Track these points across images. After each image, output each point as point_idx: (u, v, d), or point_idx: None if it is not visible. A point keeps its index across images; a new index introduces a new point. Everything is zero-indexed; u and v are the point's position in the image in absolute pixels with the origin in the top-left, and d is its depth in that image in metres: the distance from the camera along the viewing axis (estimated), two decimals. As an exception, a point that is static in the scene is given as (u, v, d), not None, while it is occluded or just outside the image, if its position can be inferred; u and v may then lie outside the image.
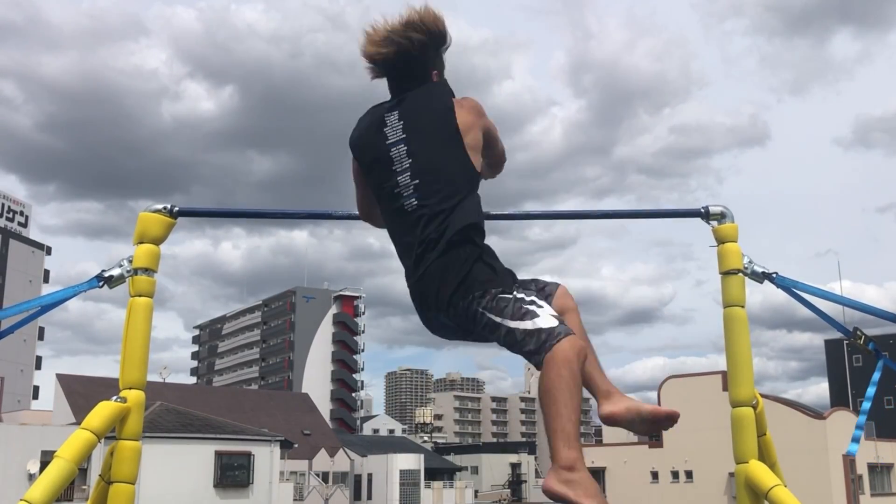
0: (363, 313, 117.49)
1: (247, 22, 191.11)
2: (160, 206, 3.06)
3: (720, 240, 3.12)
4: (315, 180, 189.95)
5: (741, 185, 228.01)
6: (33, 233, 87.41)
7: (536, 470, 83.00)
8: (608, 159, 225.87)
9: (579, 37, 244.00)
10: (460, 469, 75.07)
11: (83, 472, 27.39)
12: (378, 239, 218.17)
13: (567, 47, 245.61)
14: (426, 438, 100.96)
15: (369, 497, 55.63)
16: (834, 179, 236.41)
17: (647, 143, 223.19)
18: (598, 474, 47.65)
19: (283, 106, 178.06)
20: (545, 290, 2.56)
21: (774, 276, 3.09)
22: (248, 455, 37.31)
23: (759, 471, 2.85)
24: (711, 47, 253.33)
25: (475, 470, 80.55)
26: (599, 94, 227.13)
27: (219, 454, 36.25)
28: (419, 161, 2.52)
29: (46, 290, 76.21)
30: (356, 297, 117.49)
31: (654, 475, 45.33)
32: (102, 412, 2.73)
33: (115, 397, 2.81)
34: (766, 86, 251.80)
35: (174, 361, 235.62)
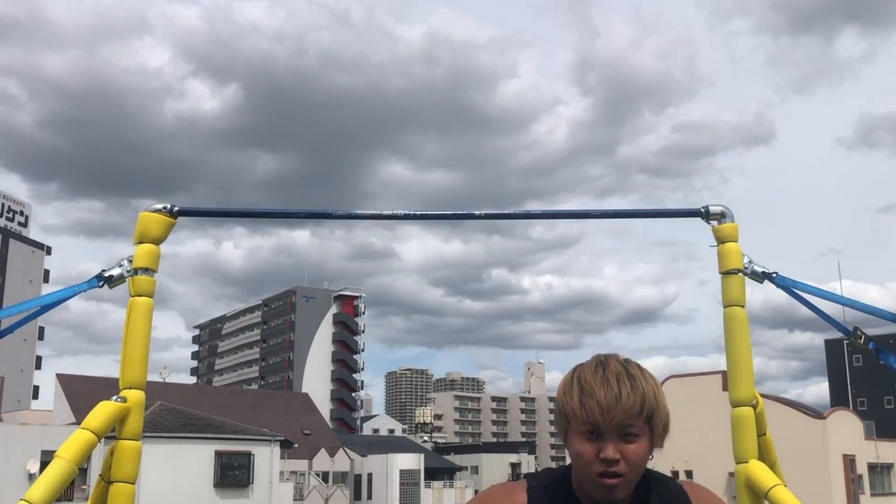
0: (363, 313, 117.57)
1: (250, 20, 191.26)
2: (160, 206, 3.05)
3: (720, 239, 3.12)
4: (319, 179, 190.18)
5: (745, 185, 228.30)
6: (34, 232, 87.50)
7: (536, 469, 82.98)
8: (612, 158, 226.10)
9: (585, 35, 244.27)
10: (460, 469, 75.10)
11: (83, 471, 27.39)
12: (380, 238, 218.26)
13: (573, 45, 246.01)
14: (426, 438, 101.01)
15: (369, 497, 55.64)
16: (837, 179, 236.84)
17: (650, 143, 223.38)
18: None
19: (286, 104, 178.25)
20: None
21: (774, 275, 3.10)
22: (248, 455, 37.32)
23: (759, 470, 2.85)
24: (717, 46, 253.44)
25: (475, 470, 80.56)
26: (604, 93, 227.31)
27: (219, 454, 36.27)
28: None
29: (46, 289, 76.25)
30: (356, 297, 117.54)
31: (654, 475, 45.32)
32: (102, 412, 2.73)
33: (115, 397, 2.80)
34: (771, 85, 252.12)
35: (175, 361, 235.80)
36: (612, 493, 1.76)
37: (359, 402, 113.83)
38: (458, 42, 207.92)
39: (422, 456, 58.23)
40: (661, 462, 45.43)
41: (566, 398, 1.80)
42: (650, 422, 1.77)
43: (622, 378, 1.75)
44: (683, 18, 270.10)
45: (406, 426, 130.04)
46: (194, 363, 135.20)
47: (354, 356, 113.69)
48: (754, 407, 2.94)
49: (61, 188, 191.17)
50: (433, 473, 64.03)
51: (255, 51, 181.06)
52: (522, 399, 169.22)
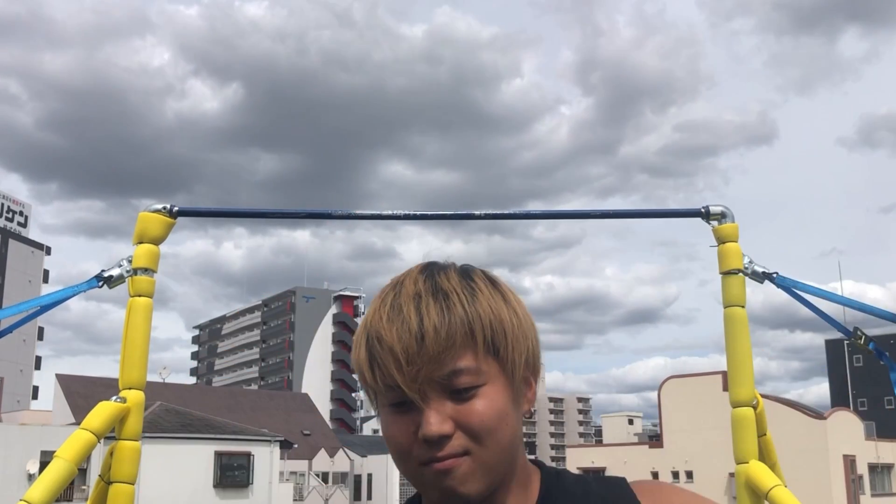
0: (363, 313, 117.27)
1: (250, 18, 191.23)
2: (160, 206, 3.05)
3: (720, 240, 3.11)
4: (320, 178, 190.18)
5: (746, 185, 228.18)
6: (34, 232, 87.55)
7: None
8: (613, 158, 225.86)
9: (588, 34, 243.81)
10: (460, 469, 75.12)
11: (83, 472, 27.42)
12: (380, 238, 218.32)
13: (576, 45, 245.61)
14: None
15: (369, 497, 55.64)
16: (838, 179, 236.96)
17: (652, 142, 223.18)
18: (598, 474, 47.70)
19: (288, 104, 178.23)
20: None
21: (775, 275, 3.09)
22: (248, 455, 37.32)
23: (759, 471, 2.85)
24: (719, 46, 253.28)
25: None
26: (606, 93, 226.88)
27: (218, 454, 36.27)
28: None
29: (46, 290, 76.29)
30: (356, 297, 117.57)
31: (655, 475, 45.34)
32: (102, 412, 2.73)
33: (114, 397, 2.80)
34: (774, 85, 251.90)
35: (175, 361, 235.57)
36: (452, 483, 1.00)
37: (359, 403, 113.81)
38: (460, 41, 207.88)
39: (422, 456, 58.21)
40: (663, 462, 45.45)
41: (356, 353, 1.07)
42: (497, 355, 1.03)
43: (423, 298, 1.01)
44: (686, 18, 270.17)
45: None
46: (194, 363, 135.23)
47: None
48: (754, 407, 2.95)
49: (61, 188, 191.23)
50: (433, 474, 64.05)
51: (256, 50, 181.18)
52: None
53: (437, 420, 1.00)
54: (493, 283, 1.08)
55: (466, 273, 1.08)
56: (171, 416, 36.96)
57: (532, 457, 1.19)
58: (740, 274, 3.25)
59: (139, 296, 3.19)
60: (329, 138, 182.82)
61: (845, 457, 39.75)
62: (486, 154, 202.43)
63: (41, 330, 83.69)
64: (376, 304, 1.07)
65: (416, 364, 0.99)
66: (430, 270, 1.07)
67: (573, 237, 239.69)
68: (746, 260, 3.29)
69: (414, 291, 1.04)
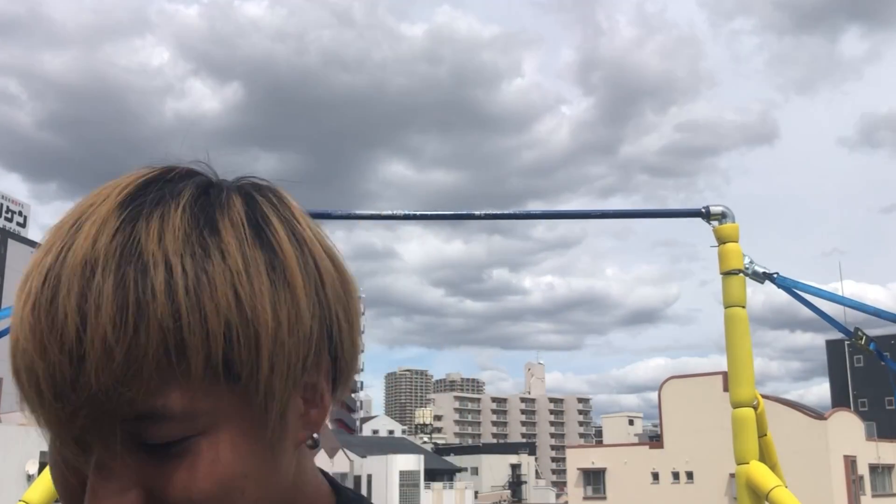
0: (363, 313, 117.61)
1: (250, 18, 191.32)
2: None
3: (721, 240, 3.12)
4: (319, 178, 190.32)
5: (748, 185, 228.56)
6: (33, 232, 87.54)
7: (536, 471, 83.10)
8: (614, 158, 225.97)
9: (589, 34, 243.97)
10: (460, 470, 75.14)
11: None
12: (380, 238, 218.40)
13: (577, 44, 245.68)
14: (426, 439, 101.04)
15: (369, 498, 55.63)
16: (839, 179, 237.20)
17: (653, 142, 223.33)
18: (598, 475, 47.65)
19: (287, 103, 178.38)
20: None
21: (775, 276, 3.10)
22: (249, 456, 37.36)
23: (759, 472, 2.85)
24: (720, 45, 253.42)
25: (475, 471, 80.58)
26: (607, 92, 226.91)
27: (219, 455, 36.33)
28: None
29: (46, 290, 76.40)
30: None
31: (655, 476, 45.32)
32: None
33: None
34: (775, 84, 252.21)
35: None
36: None
37: (358, 403, 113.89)
38: (460, 40, 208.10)
39: (422, 457, 58.24)
40: (663, 463, 45.41)
41: (11, 339, 0.57)
42: (238, 380, 0.53)
43: (99, 274, 0.52)
44: (687, 17, 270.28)
45: (406, 427, 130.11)
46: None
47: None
48: (755, 408, 2.94)
49: (61, 188, 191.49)
50: (433, 475, 64.02)
51: (255, 49, 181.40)
52: (522, 400, 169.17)
53: (109, 492, 0.52)
54: (256, 229, 0.58)
55: (205, 211, 0.58)
56: (171, 416, 37.01)
57: (332, 474, 0.75)
58: (741, 274, 3.25)
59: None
60: (329, 138, 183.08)
61: (846, 457, 39.72)
62: (487, 154, 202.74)
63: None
64: (36, 260, 0.60)
65: (68, 401, 0.51)
66: (138, 205, 0.57)
67: (573, 237, 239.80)
68: (747, 260, 3.29)
69: (87, 255, 0.54)
